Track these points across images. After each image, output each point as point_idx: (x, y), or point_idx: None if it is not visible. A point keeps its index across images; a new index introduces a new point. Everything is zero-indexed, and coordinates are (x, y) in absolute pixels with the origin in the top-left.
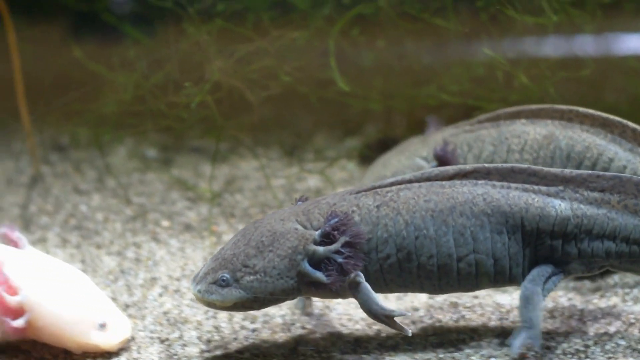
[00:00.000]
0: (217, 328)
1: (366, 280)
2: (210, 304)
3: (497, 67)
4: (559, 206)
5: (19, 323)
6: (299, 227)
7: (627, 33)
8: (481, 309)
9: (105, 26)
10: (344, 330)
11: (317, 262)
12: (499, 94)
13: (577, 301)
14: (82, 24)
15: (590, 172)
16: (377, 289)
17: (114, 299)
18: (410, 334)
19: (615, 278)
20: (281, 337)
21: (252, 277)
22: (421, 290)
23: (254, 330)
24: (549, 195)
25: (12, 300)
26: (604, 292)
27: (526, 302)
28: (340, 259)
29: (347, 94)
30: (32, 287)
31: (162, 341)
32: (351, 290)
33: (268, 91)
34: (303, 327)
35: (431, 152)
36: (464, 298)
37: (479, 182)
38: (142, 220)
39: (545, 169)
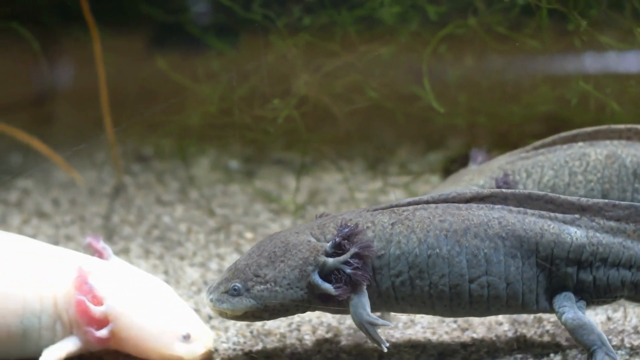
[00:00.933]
0: (300, 340)
1: (378, 297)
2: (221, 313)
3: (588, 94)
4: (575, 233)
5: (102, 333)
6: (312, 239)
7: None
8: None
9: (188, 37)
10: (428, 344)
11: (327, 273)
12: (589, 117)
13: None
14: (165, 35)
15: (606, 201)
16: (389, 307)
17: (197, 311)
18: (386, 350)
19: None
20: (365, 350)
21: (262, 287)
22: (433, 311)
23: (337, 343)
24: (565, 222)
25: (96, 310)
26: None
27: (580, 329)
28: (348, 270)
29: (432, 109)
30: (117, 298)
31: (245, 353)
32: (351, 293)
33: (353, 105)
34: (387, 340)
35: (488, 181)
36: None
37: (496, 206)
38: (225, 231)
39: (562, 196)
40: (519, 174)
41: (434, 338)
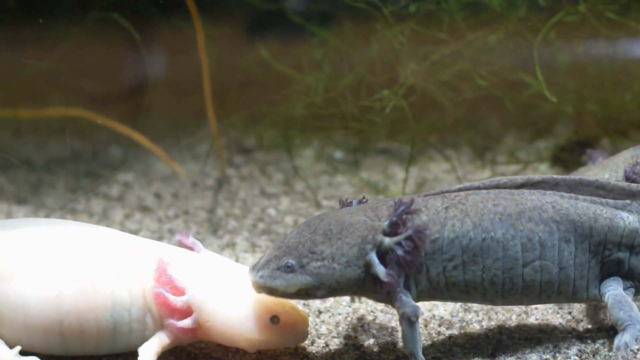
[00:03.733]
0: None
1: (427, 284)
2: (271, 290)
3: None
4: (627, 218)
5: (185, 323)
6: (368, 219)
7: None
8: None
9: (287, 25)
10: (542, 337)
11: (383, 254)
12: None
13: None
14: (265, 23)
15: None
16: (436, 296)
17: (306, 305)
18: None
19: None
20: (478, 343)
21: (319, 263)
22: (483, 297)
23: (450, 337)
24: (616, 207)
25: (177, 300)
26: None
27: (619, 305)
28: (399, 252)
29: (540, 95)
30: (199, 287)
31: (356, 348)
32: (403, 320)
33: (462, 94)
34: (500, 333)
35: (613, 175)
36: None
37: (547, 192)
38: None
39: (612, 182)
40: None
41: (547, 330)
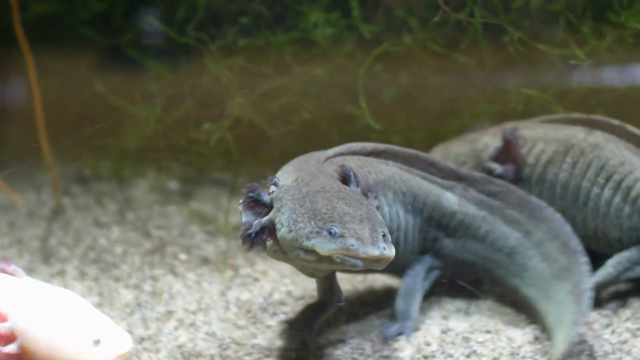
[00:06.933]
0: None
1: None
2: (387, 261)
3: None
4: (451, 199)
5: (10, 349)
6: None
7: None
8: (492, 344)
9: (131, 59)
10: None
11: None
12: None
13: (588, 336)
14: (108, 57)
15: (483, 175)
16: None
17: (129, 332)
18: None
19: (627, 313)
20: None
21: (385, 229)
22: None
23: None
24: (443, 187)
25: (1, 327)
26: (615, 327)
27: (406, 295)
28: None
29: (370, 127)
30: (21, 313)
31: None
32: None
33: (288, 126)
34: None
35: (491, 141)
36: (476, 333)
37: (389, 161)
38: (160, 253)
39: (443, 162)
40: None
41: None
